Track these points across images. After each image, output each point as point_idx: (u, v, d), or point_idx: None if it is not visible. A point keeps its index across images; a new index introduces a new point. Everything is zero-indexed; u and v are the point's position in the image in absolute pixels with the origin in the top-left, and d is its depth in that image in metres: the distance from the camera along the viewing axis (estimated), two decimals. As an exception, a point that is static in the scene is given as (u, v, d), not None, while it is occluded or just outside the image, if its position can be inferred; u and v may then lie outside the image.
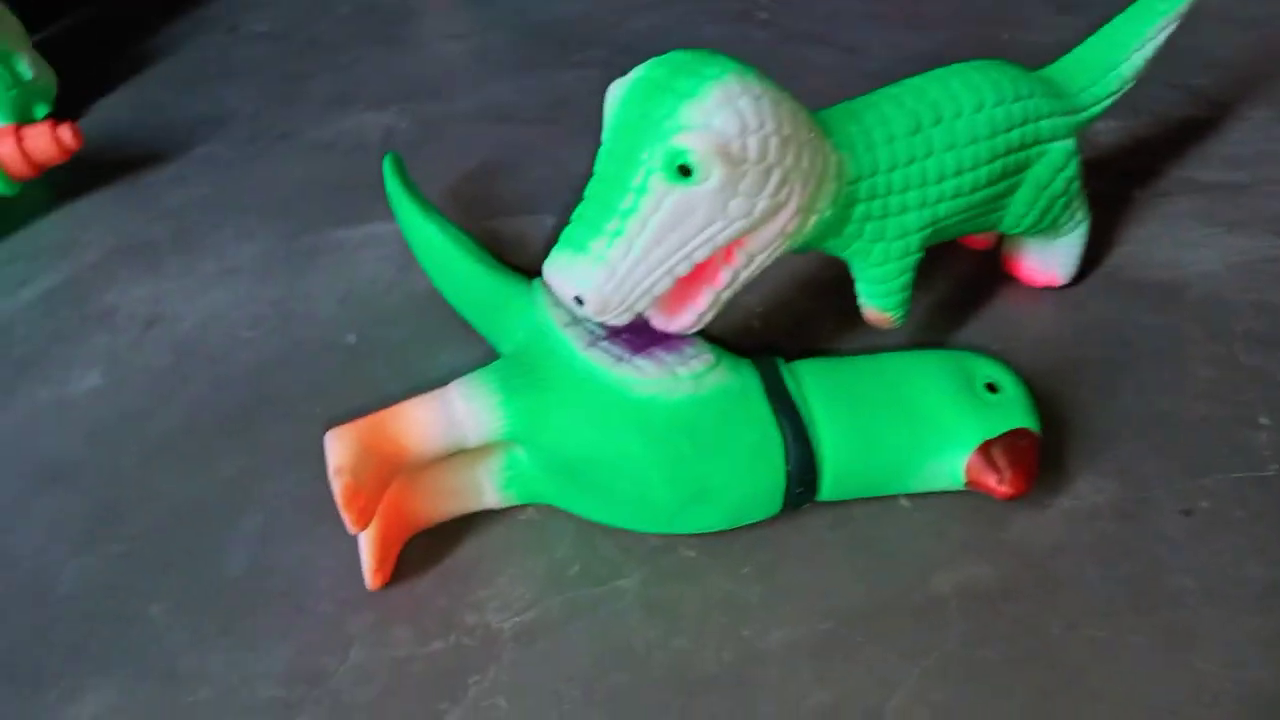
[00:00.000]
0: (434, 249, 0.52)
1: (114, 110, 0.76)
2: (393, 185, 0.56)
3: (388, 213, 0.60)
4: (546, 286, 0.45)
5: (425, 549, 0.43)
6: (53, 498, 0.47)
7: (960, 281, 0.55)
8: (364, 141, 0.71)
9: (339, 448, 0.38)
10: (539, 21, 0.85)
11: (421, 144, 0.70)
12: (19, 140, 0.61)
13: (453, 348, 0.53)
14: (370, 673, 0.39)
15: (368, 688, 0.38)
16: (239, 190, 0.66)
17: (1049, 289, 0.54)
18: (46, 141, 0.61)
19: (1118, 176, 0.62)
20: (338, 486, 0.37)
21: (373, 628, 0.40)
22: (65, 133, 0.62)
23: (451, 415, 0.40)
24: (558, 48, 0.81)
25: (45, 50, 0.73)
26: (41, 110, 0.72)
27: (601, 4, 0.87)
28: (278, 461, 0.48)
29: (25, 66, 0.69)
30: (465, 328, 0.53)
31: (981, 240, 0.57)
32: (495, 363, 0.42)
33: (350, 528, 0.38)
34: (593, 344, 0.41)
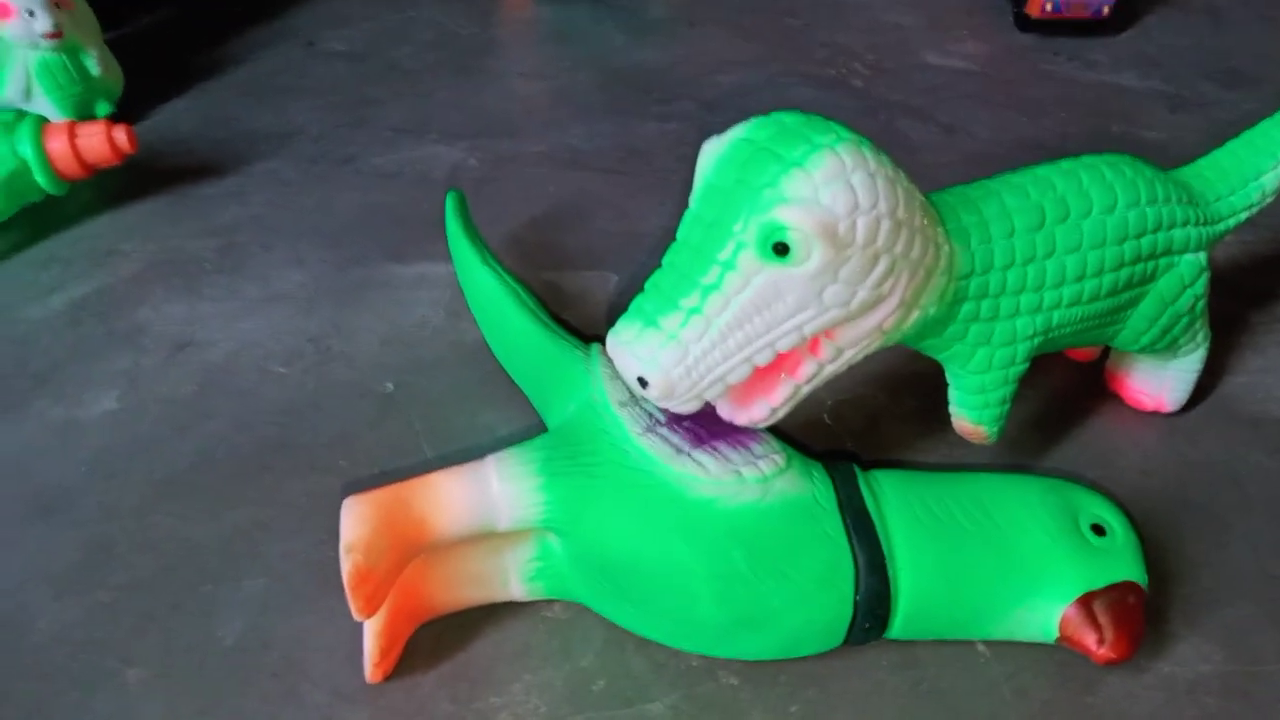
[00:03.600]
0: (489, 297, 0.48)
1: (178, 116, 0.74)
2: (453, 225, 0.52)
3: (445, 252, 0.57)
4: (604, 356, 0.40)
5: (434, 641, 0.38)
6: (44, 530, 0.43)
7: (1057, 395, 0.50)
8: (429, 175, 0.68)
9: (354, 521, 0.33)
10: (621, 68, 0.82)
11: (488, 183, 0.67)
12: (72, 137, 0.58)
13: (495, 408, 0.48)
14: (357, 781, 0.34)
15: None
16: (295, 212, 0.63)
17: (1155, 414, 0.49)
18: (100, 141, 0.59)
19: (1234, 297, 0.56)
20: (347, 566, 0.32)
21: (366, 727, 0.36)
22: (120, 135, 0.59)
23: (486, 495, 0.35)
24: (639, 96, 0.78)
25: (117, 48, 0.71)
26: (104, 109, 0.70)
27: (689, 57, 0.84)
28: (291, 516, 0.43)
29: (93, 63, 0.68)
30: (511, 388, 0.48)
31: (1086, 352, 0.51)
32: (539, 439, 0.38)
33: (355, 614, 0.33)
34: (650, 429, 0.36)
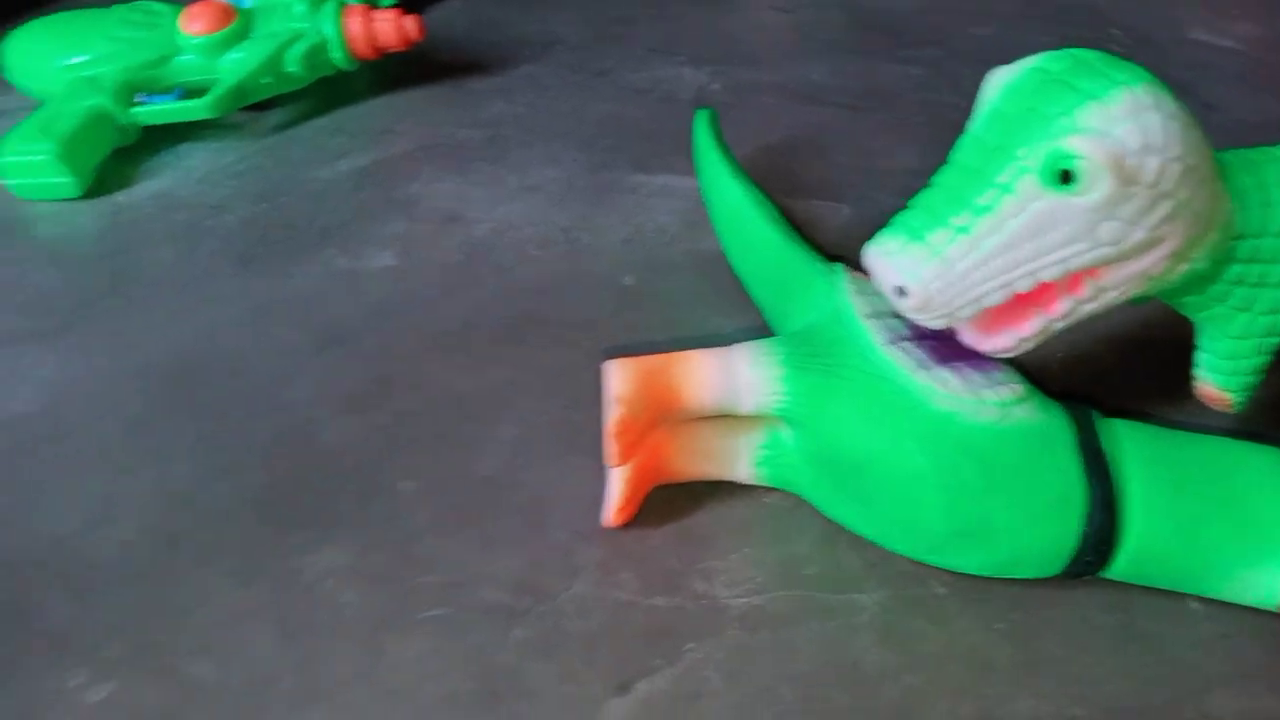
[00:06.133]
0: (735, 210, 0.50)
1: (450, 17, 0.79)
2: (704, 139, 0.55)
3: (685, 167, 0.60)
4: (848, 273, 0.42)
5: (665, 504, 0.42)
6: (330, 359, 0.49)
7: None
8: (675, 94, 0.70)
9: (621, 378, 0.37)
10: (870, 9, 0.82)
11: (729, 108, 0.69)
12: (368, 20, 0.64)
13: (725, 315, 0.51)
14: (591, 606, 0.38)
15: (587, 620, 0.38)
16: (552, 115, 0.68)
17: None
18: (392, 28, 0.65)
19: None
20: (613, 416, 0.36)
21: (600, 565, 0.40)
22: (410, 23, 0.65)
23: (733, 376, 0.38)
24: (885, 39, 0.78)
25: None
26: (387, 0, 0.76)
27: (941, 6, 0.83)
28: (540, 381, 0.48)
29: (385, -43, 0.74)
30: (740, 297, 0.51)
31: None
32: (784, 336, 0.40)
33: (611, 459, 0.37)
34: (894, 341, 0.38)
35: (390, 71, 0.71)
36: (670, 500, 0.42)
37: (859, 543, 0.40)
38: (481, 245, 0.56)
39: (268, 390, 0.47)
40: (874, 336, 0.38)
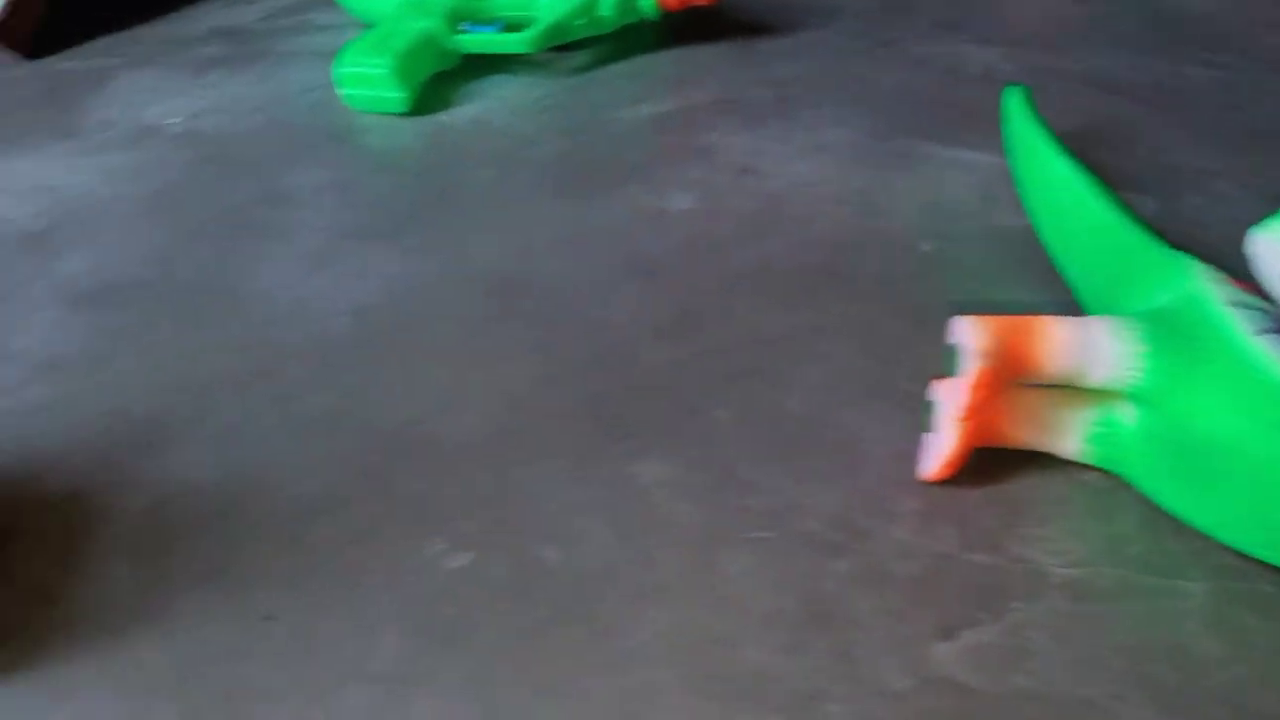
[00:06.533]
0: (1062, 188, 0.49)
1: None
2: (1019, 116, 0.54)
3: (978, 142, 0.59)
4: (1195, 263, 0.41)
5: (981, 466, 0.42)
6: (641, 288, 0.51)
7: None
8: (962, 70, 0.70)
9: (982, 333, 0.37)
10: (1169, 10, 0.79)
11: (1020, 90, 0.68)
12: (682, -26, 0.67)
13: (1032, 290, 0.51)
14: (911, 552, 0.39)
15: (908, 564, 0.39)
16: (840, 79, 0.68)
17: None
18: (701, -19, 0.67)
19: None
20: (973, 369, 0.37)
21: (918, 515, 0.40)
22: (719, -19, 0.67)
23: (1091, 346, 0.38)
24: (1185, 41, 0.75)
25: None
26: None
27: (1239, 10, 0.79)
28: (841, 329, 0.49)
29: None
30: (1045, 274, 0.50)
31: None
32: (1142, 314, 0.40)
33: (958, 412, 0.38)
34: (1268, 331, 0.37)
35: (684, 27, 0.73)
36: (986, 464, 0.42)
37: (1183, 530, 0.40)
38: (777, 198, 0.58)
39: (586, 311, 0.50)
40: (1240, 325, 0.38)
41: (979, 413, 0.38)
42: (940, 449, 0.40)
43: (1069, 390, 0.40)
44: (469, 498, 0.41)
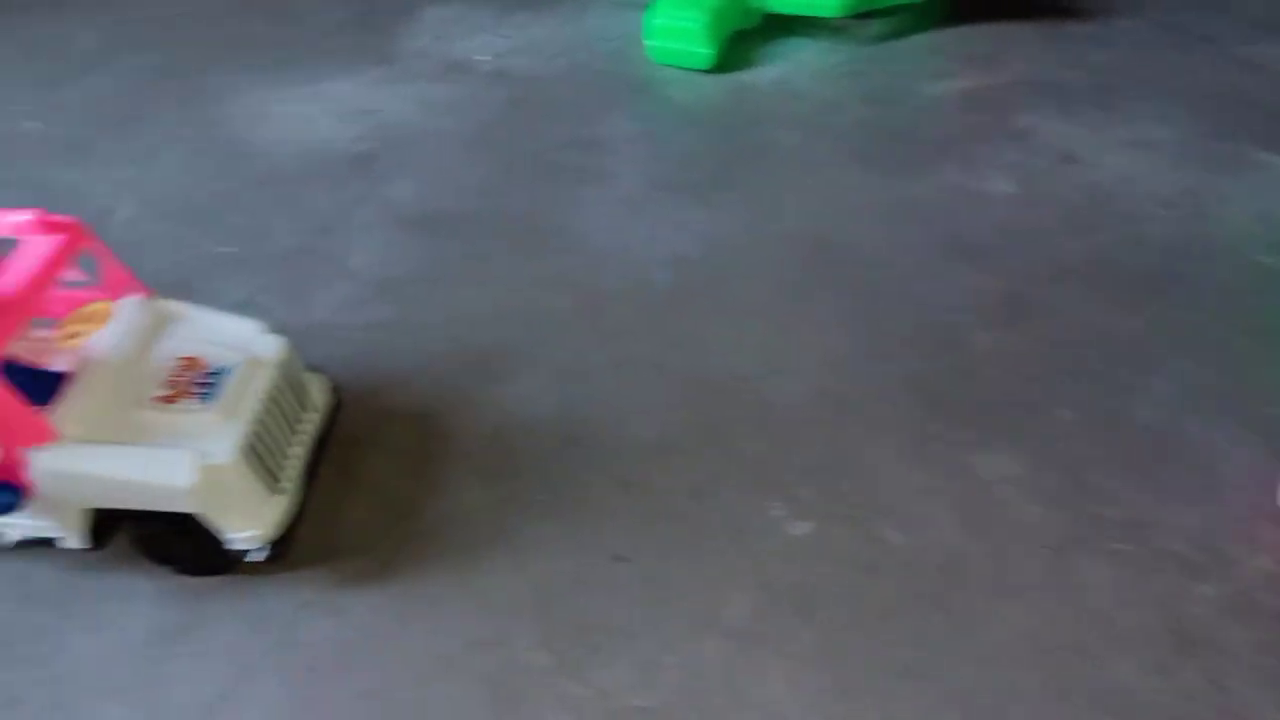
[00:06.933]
0: None
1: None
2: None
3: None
4: None
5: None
6: (963, 271, 0.50)
7: None
8: (1292, 74, 0.65)
9: None
10: None
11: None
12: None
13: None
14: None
15: (1277, 599, 0.37)
16: (1155, 71, 0.64)
17: None
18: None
19: None
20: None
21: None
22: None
23: None
24: None
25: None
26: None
27: None
28: (1186, 340, 0.46)
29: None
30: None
31: None
32: None
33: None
34: None
35: (990, 2, 0.70)
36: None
37: None
38: (1102, 192, 0.55)
39: (904, 284, 0.49)
40: None
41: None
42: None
43: None
44: (805, 464, 0.41)
